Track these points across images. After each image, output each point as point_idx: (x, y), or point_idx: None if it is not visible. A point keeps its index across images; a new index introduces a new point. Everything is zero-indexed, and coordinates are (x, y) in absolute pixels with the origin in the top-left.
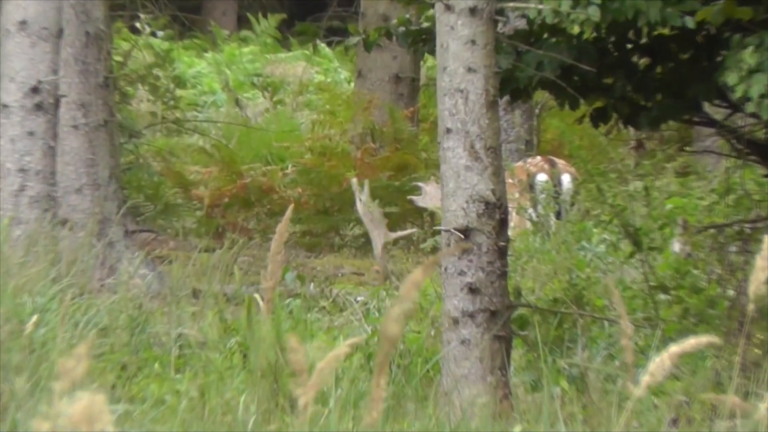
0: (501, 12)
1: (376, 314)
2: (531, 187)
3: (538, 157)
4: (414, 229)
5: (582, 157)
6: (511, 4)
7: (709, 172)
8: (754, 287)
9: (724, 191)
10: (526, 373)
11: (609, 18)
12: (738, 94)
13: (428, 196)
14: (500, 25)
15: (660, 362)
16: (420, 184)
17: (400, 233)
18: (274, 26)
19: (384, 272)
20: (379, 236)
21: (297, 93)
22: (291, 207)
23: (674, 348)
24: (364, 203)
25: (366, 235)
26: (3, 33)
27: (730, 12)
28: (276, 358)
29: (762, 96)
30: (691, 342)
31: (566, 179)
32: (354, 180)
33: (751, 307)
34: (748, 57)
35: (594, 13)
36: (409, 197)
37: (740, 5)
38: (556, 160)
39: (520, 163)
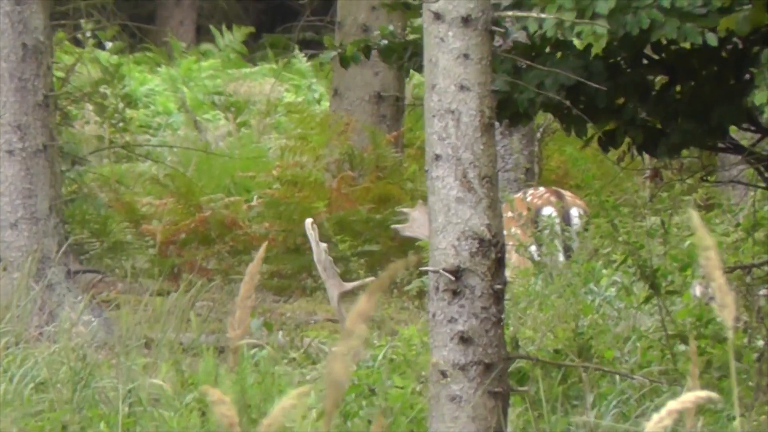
0: (498, 23)
1: (354, 366)
2: (535, 222)
3: (542, 188)
4: (371, 278)
5: (592, 188)
6: (510, 13)
7: (735, 205)
8: None
9: (751, 227)
10: None
11: (620, 32)
12: (767, 115)
13: (416, 224)
14: (498, 40)
15: (658, 420)
16: (406, 209)
17: (356, 283)
18: (240, 40)
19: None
20: (333, 287)
21: (264, 114)
22: (264, 245)
23: (673, 404)
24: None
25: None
26: None
27: (759, 19)
28: (240, 417)
29: None
30: (690, 398)
31: (575, 213)
32: (308, 221)
33: None
34: None
35: (601, 27)
36: (393, 225)
37: None
38: (563, 191)
39: (519, 195)
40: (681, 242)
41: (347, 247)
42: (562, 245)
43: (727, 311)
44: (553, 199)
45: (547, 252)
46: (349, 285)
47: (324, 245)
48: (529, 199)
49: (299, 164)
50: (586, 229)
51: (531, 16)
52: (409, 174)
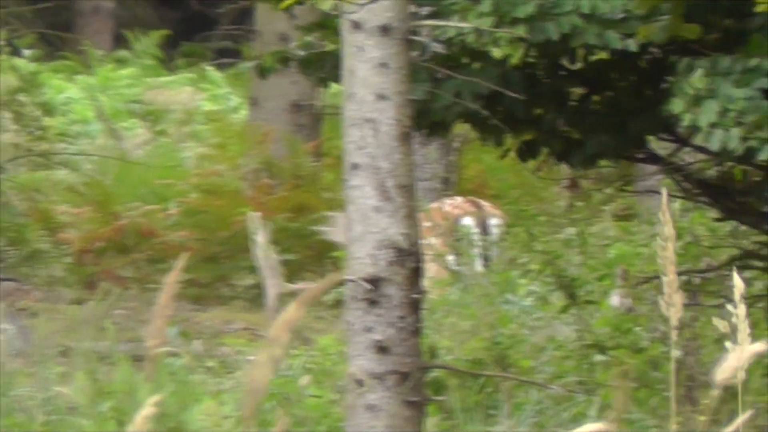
0: (417, 32)
1: (273, 375)
2: (453, 232)
3: (459, 198)
4: (311, 284)
5: (510, 198)
6: (428, 22)
7: (653, 215)
8: (723, 375)
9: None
10: None
11: (541, 38)
12: (685, 123)
13: (342, 229)
14: (417, 51)
15: None
16: (334, 214)
17: (297, 286)
18: (155, 45)
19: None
20: (273, 287)
21: (182, 123)
22: (184, 256)
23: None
24: (261, 247)
25: (260, 286)
26: None
27: (676, 29)
28: (156, 426)
29: (712, 125)
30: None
31: (493, 223)
32: (253, 215)
33: (716, 393)
34: (697, 82)
35: (521, 31)
36: (316, 228)
37: (687, 22)
38: (481, 201)
39: (436, 205)
40: (601, 252)
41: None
42: (481, 255)
43: (673, 311)
44: (471, 209)
45: (465, 261)
46: (293, 286)
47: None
48: (446, 209)
49: (217, 173)
50: (504, 239)
51: (449, 26)
52: (326, 183)
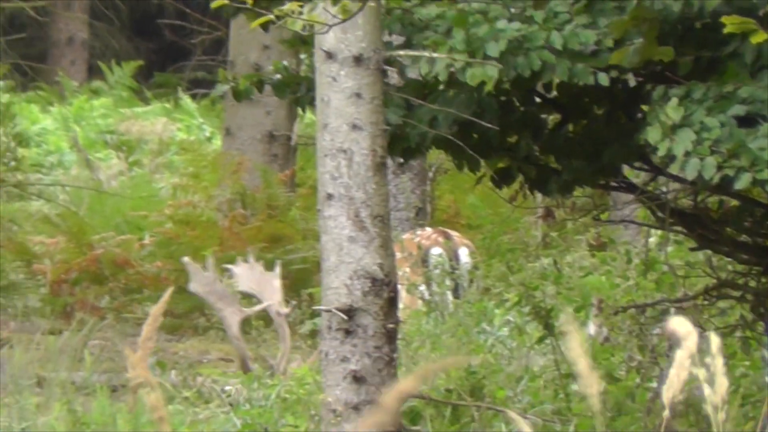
0: (390, 62)
1: (247, 406)
2: (424, 262)
3: (429, 229)
4: (269, 302)
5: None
6: (401, 53)
7: (629, 244)
8: (670, 394)
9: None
10: None
11: (512, 74)
12: (660, 152)
13: (241, 279)
14: (391, 76)
15: None
16: (230, 266)
17: (256, 308)
18: (129, 75)
19: (243, 356)
20: (232, 314)
21: (156, 153)
22: (170, 290)
23: None
24: (210, 278)
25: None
26: None
27: (650, 53)
28: None
29: (687, 154)
30: None
31: (463, 253)
32: (185, 258)
33: (666, 413)
34: (672, 111)
35: (491, 71)
36: (225, 276)
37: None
38: (450, 232)
39: (407, 235)
40: (577, 282)
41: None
42: (452, 285)
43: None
44: (441, 239)
45: (438, 291)
46: (249, 310)
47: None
48: (416, 239)
49: (191, 203)
50: (476, 268)
51: (423, 56)
52: (300, 213)
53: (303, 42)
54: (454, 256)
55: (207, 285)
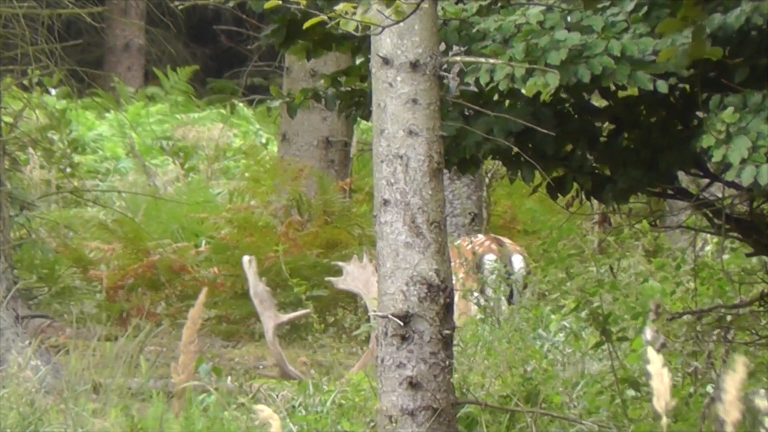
0: (447, 68)
1: (303, 412)
2: (478, 268)
3: (481, 236)
4: (307, 311)
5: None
6: (459, 59)
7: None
8: (662, 401)
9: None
10: None
11: (573, 80)
12: (716, 159)
13: (349, 277)
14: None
15: None
16: (340, 264)
17: (291, 315)
18: (185, 80)
19: (279, 361)
20: (268, 319)
21: (212, 159)
22: (205, 290)
23: None
24: (251, 282)
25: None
26: None
27: (699, 52)
28: None
29: (743, 161)
30: None
31: (517, 260)
32: (245, 258)
33: (664, 421)
34: (728, 118)
35: (552, 79)
36: (327, 278)
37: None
38: (503, 239)
39: (462, 241)
40: (636, 288)
41: (303, 290)
42: (507, 292)
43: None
44: (494, 246)
45: (494, 297)
46: (285, 316)
47: (261, 279)
48: (469, 246)
49: (250, 209)
50: (529, 273)
51: (481, 62)
52: (357, 219)
53: (345, 74)
54: (508, 263)
55: (253, 287)
